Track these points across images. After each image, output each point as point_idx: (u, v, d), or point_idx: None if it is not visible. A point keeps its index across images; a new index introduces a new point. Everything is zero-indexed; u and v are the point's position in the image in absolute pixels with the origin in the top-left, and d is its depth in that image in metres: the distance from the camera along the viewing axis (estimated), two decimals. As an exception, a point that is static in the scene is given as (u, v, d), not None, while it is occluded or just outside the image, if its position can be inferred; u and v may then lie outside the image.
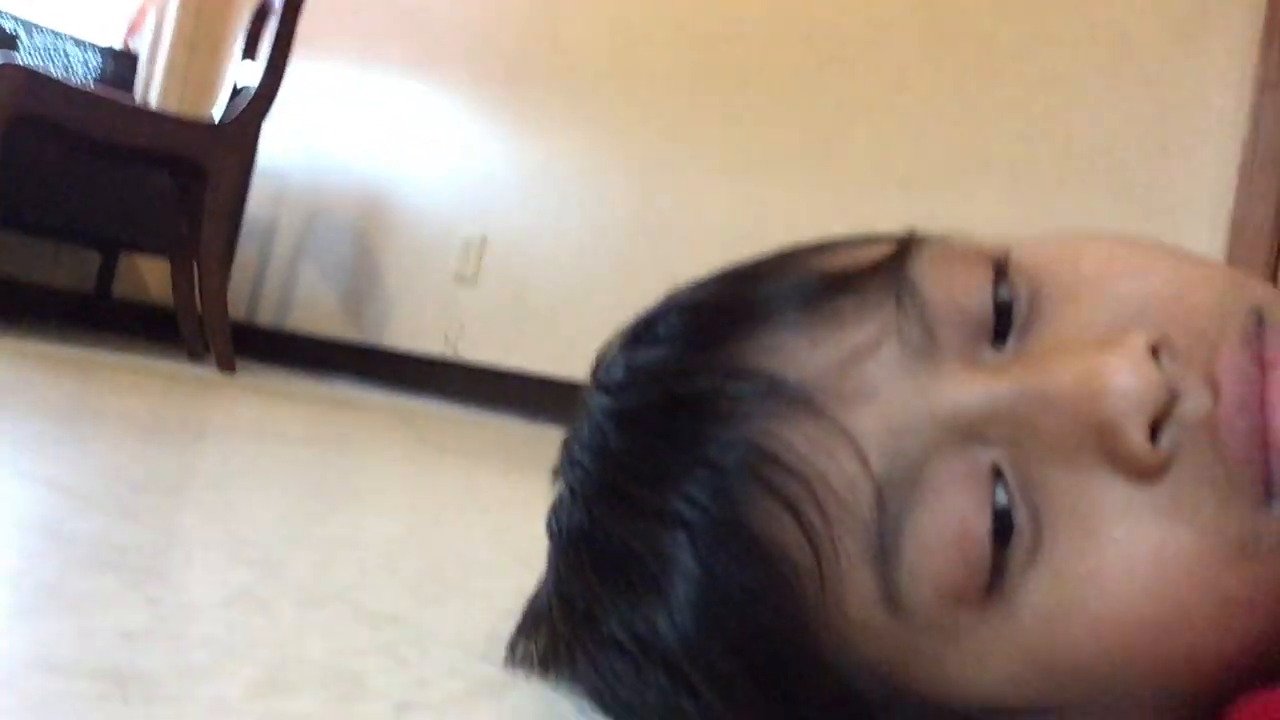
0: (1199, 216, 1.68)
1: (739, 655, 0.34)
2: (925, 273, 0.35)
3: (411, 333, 2.80)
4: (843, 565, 0.32)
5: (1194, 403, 0.31)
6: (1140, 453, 0.31)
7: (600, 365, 0.39)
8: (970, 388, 0.33)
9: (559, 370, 2.35)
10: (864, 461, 0.32)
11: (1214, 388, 0.31)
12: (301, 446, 1.26)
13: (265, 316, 3.20)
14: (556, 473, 0.40)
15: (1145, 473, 0.31)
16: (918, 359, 0.33)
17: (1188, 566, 0.31)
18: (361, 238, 3.02)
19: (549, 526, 0.40)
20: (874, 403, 0.33)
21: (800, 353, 0.34)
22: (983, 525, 0.32)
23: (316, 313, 3.08)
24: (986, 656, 0.33)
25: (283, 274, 3.22)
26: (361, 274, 2.99)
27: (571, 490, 0.38)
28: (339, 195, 3.11)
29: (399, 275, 2.89)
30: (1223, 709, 0.32)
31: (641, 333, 0.38)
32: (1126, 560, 0.31)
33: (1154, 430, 0.31)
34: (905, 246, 0.36)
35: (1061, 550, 0.32)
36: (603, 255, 2.44)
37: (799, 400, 0.33)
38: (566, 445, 0.39)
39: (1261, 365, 0.32)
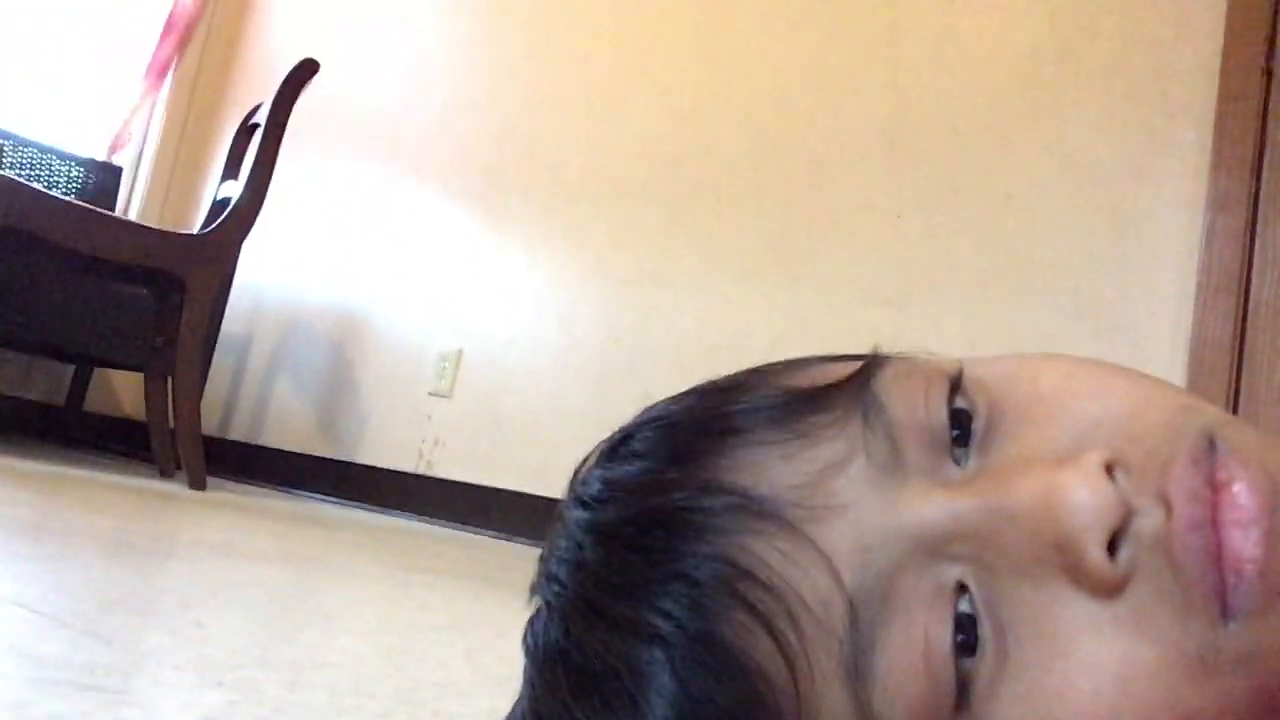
0: (1159, 334, 1.72)
1: None
2: (889, 390, 0.36)
3: (386, 448, 2.79)
4: (817, 682, 0.33)
5: (1148, 520, 0.32)
6: (1099, 568, 0.31)
7: (577, 479, 0.40)
8: (935, 504, 0.34)
9: (533, 487, 2.34)
10: (836, 577, 0.33)
11: (1166, 505, 0.32)
12: (272, 565, 1.25)
13: (238, 431, 3.18)
14: (533, 588, 0.40)
15: (1105, 588, 0.32)
16: (885, 474, 0.34)
17: (1149, 682, 0.31)
18: (337, 351, 3.03)
19: (525, 642, 0.40)
20: (844, 518, 0.34)
21: (772, 468, 0.35)
22: (947, 643, 0.32)
23: (290, 427, 3.06)
24: None
25: (257, 388, 3.21)
26: (336, 388, 2.99)
27: (548, 605, 0.38)
28: (315, 309, 3.13)
29: (374, 389, 2.89)
30: None
31: (619, 447, 0.39)
32: (1091, 677, 0.31)
33: (1112, 546, 0.32)
34: (870, 364, 0.37)
35: (1027, 666, 0.32)
36: (578, 368, 2.45)
37: (772, 515, 0.34)
38: (543, 560, 0.40)
39: (1213, 485, 0.33)
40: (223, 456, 2.92)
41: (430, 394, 2.72)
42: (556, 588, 0.38)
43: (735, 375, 0.41)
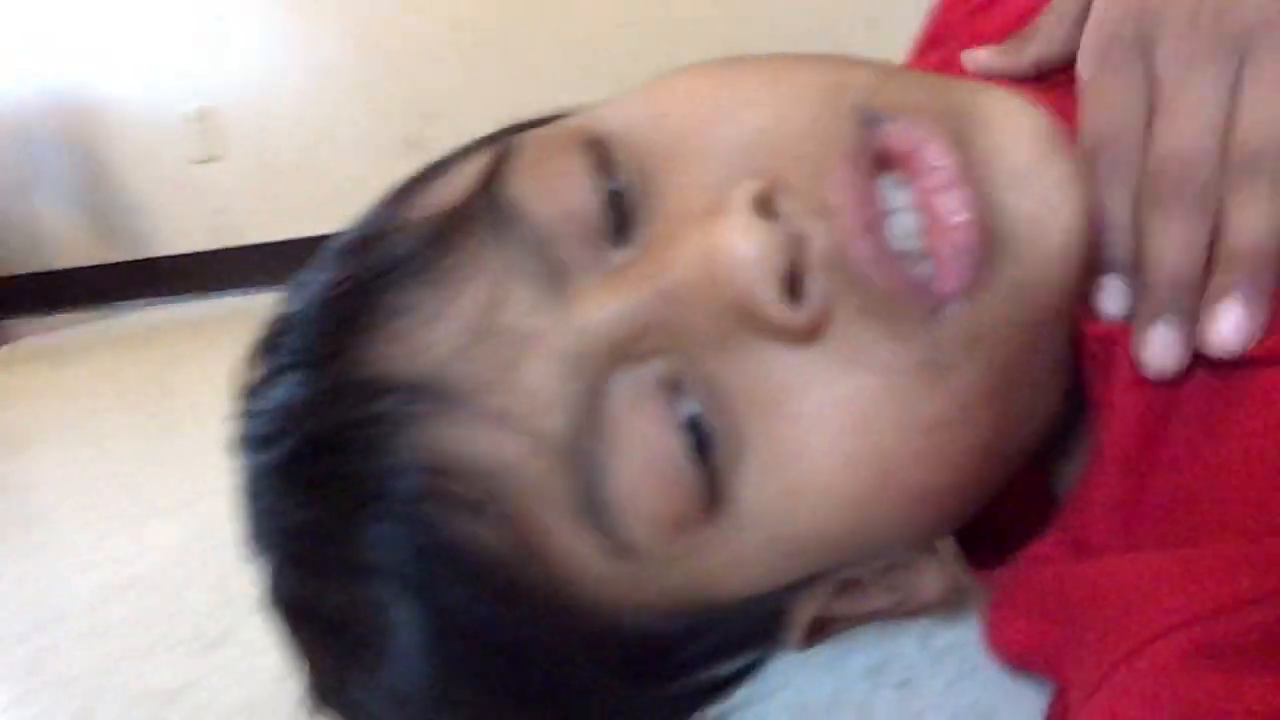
0: None
1: (494, 682, 0.31)
2: (524, 187, 0.31)
3: (171, 232, 2.59)
4: (555, 542, 0.30)
5: (819, 242, 0.29)
6: (781, 316, 0.28)
7: (243, 405, 0.34)
8: (599, 309, 0.29)
9: (338, 224, 2.23)
10: (531, 430, 0.29)
11: (829, 219, 0.29)
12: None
13: (14, 265, 2.91)
14: (249, 546, 0.35)
15: (802, 333, 0.29)
16: (546, 292, 0.30)
17: (880, 411, 0.29)
18: (83, 148, 2.71)
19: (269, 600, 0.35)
20: (521, 363, 0.29)
21: (421, 338, 0.30)
22: (674, 444, 0.29)
23: (66, 242, 2.80)
24: (740, 559, 0.32)
25: (18, 213, 2.89)
26: (97, 188, 2.71)
27: (270, 564, 0.34)
28: (43, 110, 2.75)
29: (135, 174, 2.63)
30: (987, 506, 0.34)
31: (269, 364, 0.33)
32: (823, 427, 0.29)
33: (800, 286, 0.28)
34: (495, 164, 0.32)
35: (762, 438, 0.30)
36: (340, 90, 2.27)
37: (439, 397, 0.29)
38: (245, 515, 0.34)
39: (894, 163, 0.29)
40: (7, 297, 2.69)
41: (198, 163, 2.50)
42: (266, 545, 0.33)
43: (367, 217, 0.35)
